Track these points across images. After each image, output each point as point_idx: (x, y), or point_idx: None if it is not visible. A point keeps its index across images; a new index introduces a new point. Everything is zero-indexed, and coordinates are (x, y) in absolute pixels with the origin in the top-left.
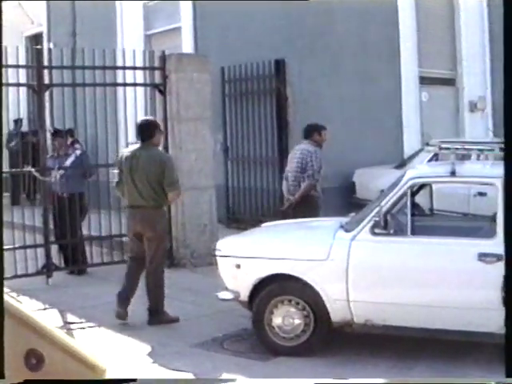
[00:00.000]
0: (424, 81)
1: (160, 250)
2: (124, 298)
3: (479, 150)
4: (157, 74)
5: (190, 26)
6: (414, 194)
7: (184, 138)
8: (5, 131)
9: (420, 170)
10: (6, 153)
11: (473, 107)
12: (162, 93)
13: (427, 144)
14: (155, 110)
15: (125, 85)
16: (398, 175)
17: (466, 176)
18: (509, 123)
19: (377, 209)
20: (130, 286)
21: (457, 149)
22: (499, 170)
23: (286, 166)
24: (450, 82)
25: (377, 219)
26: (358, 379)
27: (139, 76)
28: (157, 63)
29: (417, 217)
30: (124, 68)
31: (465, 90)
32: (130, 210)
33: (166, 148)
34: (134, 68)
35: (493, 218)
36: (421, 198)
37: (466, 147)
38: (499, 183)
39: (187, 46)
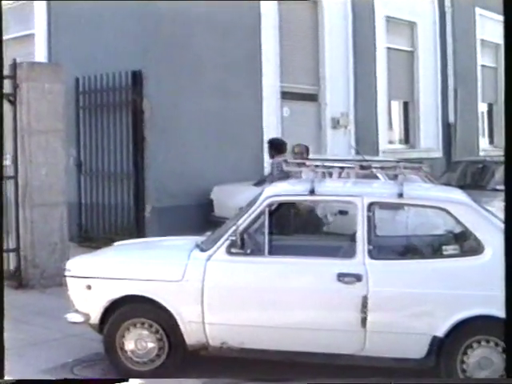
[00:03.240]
0: (286, 96)
1: None
2: None
3: (340, 167)
4: (7, 82)
5: (44, 32)
6: (272, 213)
7: (34, 151)
8: None
9: (278, 187)
10: None
11: (335, 123)
12: (12, 103)
13: (286, 161)
14: (2, 121)
15: None
16: (258, 193)
17: (326, 194)
18: (509, 124)
19: (233, 228)
20: None
21: (317, 166)
22: (360, 188)
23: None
24: (312, 97)
25: (233, 238)
26: (355, 379)
27: None
28: (7, 71)
29: (275, 236)
30: None
31: (327, 106)
32: None
33: (15, 161)
34: None
35: (352, 238)
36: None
37: (327, 164)
38: (359, 202)
39: (40, 53)
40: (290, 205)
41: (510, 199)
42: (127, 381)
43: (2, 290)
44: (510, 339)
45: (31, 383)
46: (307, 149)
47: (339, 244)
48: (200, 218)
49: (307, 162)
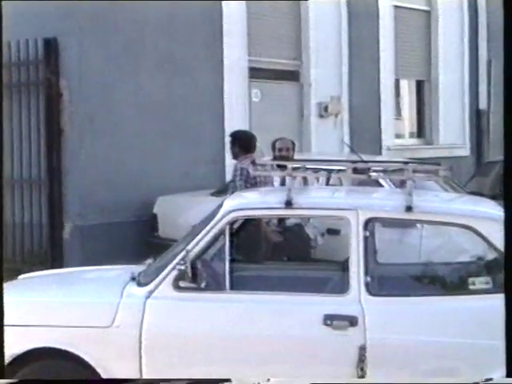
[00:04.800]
0: (256, 73)
1: None
2: None
3: (328, 170)
4: None
5: None
6: (235, 233)
7: None
8: None
9: (244, 198)
10: None
11: (323, 111)
12: None
13: (253, 163)
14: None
15: None
16: (216, 205)
17: (307, 207)
18: (509, 123)
19: (183, 253)
20: None
21: (296, 169)
22: (355, 198)
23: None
24: (291, 75)
25: (182, 268)
26: (357, 380)
27: None
28: None
29: (239, 264)
30: None
31: (312, 87)
32: None
33: None
34: None
35: (345, 266)
36: None
37: (310, 167)
38: (353, 217)
39: None
40: (260, 222)
41: (510, 201)
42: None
43: (2, 289)
44: (510, 339)
45: (36, 383)
46: (293, 145)
47: (327, 275)
48: (138, 240)
49: (283, 164)
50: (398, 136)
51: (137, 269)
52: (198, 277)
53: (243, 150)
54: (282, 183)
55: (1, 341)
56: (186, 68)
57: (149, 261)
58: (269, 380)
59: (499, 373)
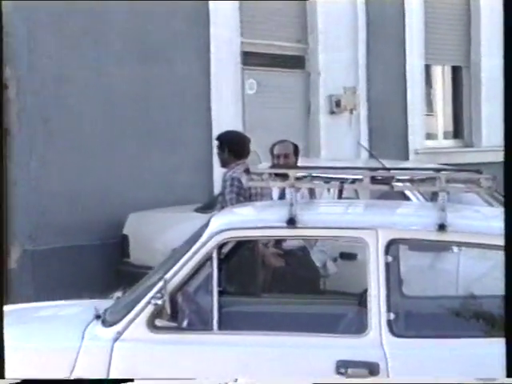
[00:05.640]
0: (250, 60)
1: None
2: None
3: (341, 180)
4: None
5: None
6: (225, 258)
7: None
8: None
9: (235, 215)
10: None
11: (334, 106)
12: None
13: (247, 171)
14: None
15: None
16: (202, 224)
17: (315, 226)
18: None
19: (160, 284)
20: None
21: (301, 178)
22: (374, 215)
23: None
24: (295, 61)
25: (159, 302)
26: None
27: None
28: None
29: (230, 297)
30: None
31: (321, 75)
32: None
33: None
34: None
35: (362, 300)
36: None
37: (318, 175)
38: (372, 238)
39: None
40: (256, 244)
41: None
42: (132, 381)
43: (2, 290)
44: (510, 338)
45: (37, 383)
46: (296, 149)
47: (340, 311)
48: (104, 268)
49: (284, 172)
50: (429, 136)
51: (102, 304)
52: (179, 314)
53: (234, 156)
54: (283, 196)
55: (1, 341)
56: (163, 53)
57: (117, 294)
58: (236, 380)
59: None
